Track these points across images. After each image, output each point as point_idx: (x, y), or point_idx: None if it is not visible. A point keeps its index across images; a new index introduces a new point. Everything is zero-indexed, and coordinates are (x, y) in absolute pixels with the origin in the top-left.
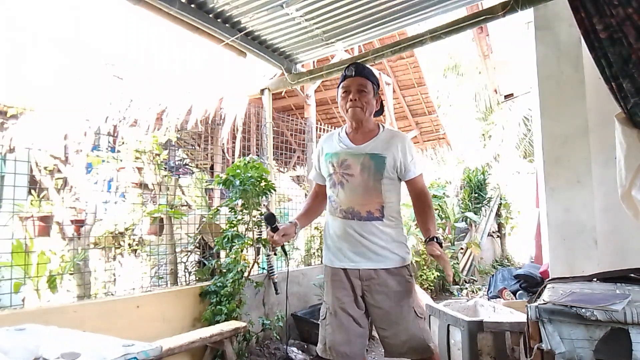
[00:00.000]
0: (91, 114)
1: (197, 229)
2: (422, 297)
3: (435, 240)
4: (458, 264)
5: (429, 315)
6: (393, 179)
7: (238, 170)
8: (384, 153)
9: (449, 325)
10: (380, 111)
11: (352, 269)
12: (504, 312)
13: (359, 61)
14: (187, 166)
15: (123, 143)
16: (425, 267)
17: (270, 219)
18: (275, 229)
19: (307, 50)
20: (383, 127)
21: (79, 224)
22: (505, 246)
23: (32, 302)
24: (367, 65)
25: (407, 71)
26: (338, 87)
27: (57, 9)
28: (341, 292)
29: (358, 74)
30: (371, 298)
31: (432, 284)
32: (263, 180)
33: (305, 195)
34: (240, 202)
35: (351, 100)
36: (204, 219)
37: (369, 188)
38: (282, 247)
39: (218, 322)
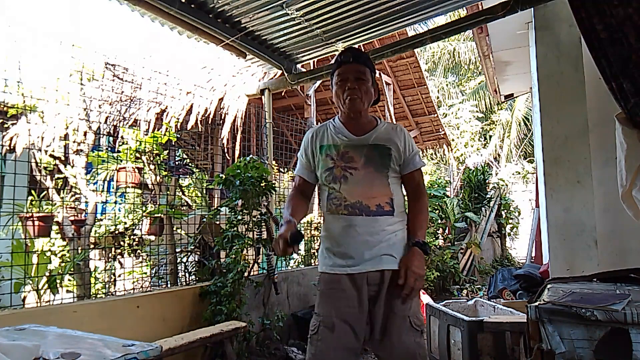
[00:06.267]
0: (91, 114)
1: (197, 229)
2: (423, 299)
3: (419, 246)
4: (458, 264)
5: (429, 316)
6: (397, 173)
7: (238, 170)
8: (388, 144)
9: (449, 325)
10: (377, 99)
11: (360, 274)
12: (504, 312)
13: None
14: (187, 166)
15: (123, 143)
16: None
17: (297, 238)
18: (295, 244)
19: (307, 50)
20: (380, 119)
21: (79, 224)
22: (505, 246)
23: (32, 302)
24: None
25: (407, 71)
26: (332, 74)
27: (57, 9)
28: (343, 301)
29: (355, 60)
30: (374, 305)
31: (432, 284)
32: (263, 181)
33: None
34: (240, 202)
35: (349, 89)
36: (204, 219)
37: (375, 181)
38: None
39: (218, 322)
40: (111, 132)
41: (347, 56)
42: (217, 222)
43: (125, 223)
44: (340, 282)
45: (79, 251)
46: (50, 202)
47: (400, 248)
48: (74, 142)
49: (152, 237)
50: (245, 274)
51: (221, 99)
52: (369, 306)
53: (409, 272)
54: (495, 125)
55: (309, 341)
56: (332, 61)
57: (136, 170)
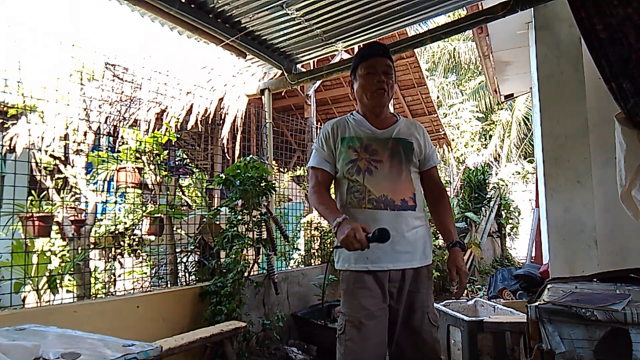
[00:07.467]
0: (91, 114)
1: (197, 229)
2: None
3: (459, 246)
4: None
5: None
6: (417, 168)
7: (238, 170)
8: (410, 139)
9: (449, 325)
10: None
11: (382, 271)
12: (504, 312)
13: None
14: (187, 166)
15: (123, 143)
16: None
17: (385, 236)
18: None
19: (307, 50)
20: (399, 115)
21: (79, 224)
22: (505, 246)
23: (32, 302)
24: None
25: (407, 71)
26: (357, 66)
27: (57, 9)
28: (368, 300)
29: (384, 54)
30: (395, 302)
31: None
32: (263, 181)
33: (305, 195)
34: (240, 202)
35: (378, 82)
36: (204, 219)
37: (401, 175)
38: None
39: (218, 322)
40: (111, 132)
41: (375, 49)
42: (217, 222)
43: (125, 223)
44: (364, 280)
45: (79, 251)
46: (50, 202)
47: (421, 245)
48: (74, 142)
49: (152, 237)
50: (245, 274)
51: (221, 99)
52: (390, 302)
53: (461, 273)
54: (495, 125)
55: (337, 341)
56: (332, 61)
57: (136, 170)
